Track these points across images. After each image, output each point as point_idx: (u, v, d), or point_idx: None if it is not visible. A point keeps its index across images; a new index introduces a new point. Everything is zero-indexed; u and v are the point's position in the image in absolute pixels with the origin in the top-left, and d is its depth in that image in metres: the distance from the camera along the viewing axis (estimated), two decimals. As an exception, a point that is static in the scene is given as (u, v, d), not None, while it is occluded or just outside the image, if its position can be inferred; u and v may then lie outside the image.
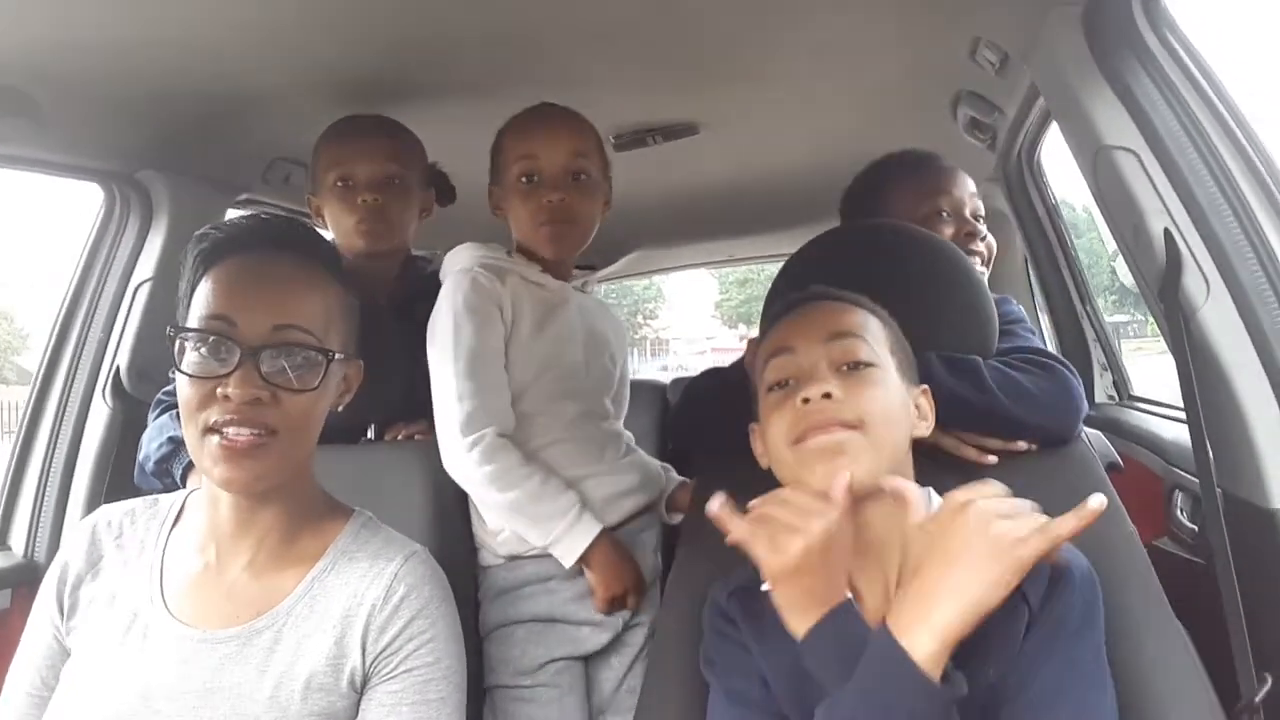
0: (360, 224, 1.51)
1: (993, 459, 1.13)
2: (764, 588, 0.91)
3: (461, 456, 1.31)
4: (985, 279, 1.40)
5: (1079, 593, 0.88)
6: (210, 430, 0.95)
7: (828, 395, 0.94)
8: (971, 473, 1.00)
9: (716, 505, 0.92)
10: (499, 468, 1.30)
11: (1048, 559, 0.82)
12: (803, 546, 0.86)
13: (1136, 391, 2.21)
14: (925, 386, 1.04)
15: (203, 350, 0.96)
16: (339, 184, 1.53)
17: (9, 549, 1.69)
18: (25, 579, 1.57)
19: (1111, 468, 1.33)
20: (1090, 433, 1.35)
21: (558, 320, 1.41)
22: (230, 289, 0.98)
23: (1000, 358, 1.20)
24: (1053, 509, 1.00)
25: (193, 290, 1.00)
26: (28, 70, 1.33)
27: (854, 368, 0.97)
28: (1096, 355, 2.20)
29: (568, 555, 1.32)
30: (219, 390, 0.94)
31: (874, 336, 1.01)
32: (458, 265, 1.40)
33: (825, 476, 0.91)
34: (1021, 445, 1.14)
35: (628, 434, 1.53)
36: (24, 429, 1.75)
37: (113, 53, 1.34)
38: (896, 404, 0.98)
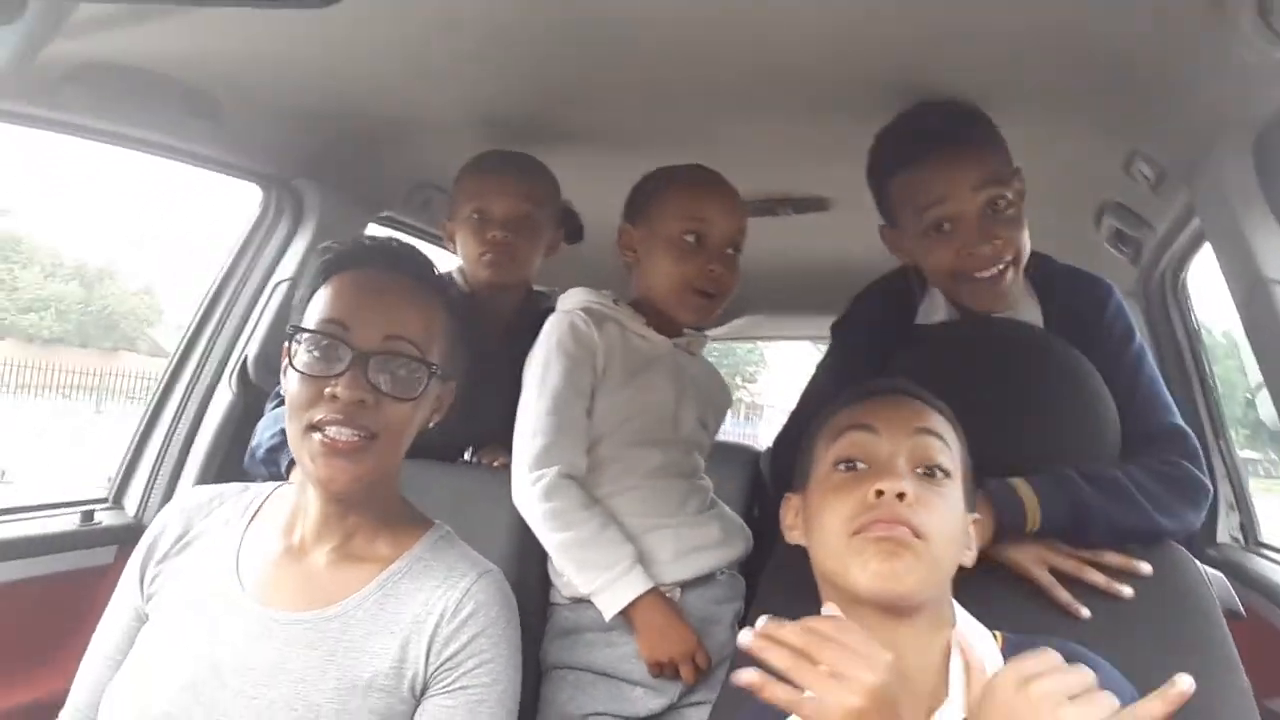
0: (488, 256, 1.57)
1: (1086, 613, 1.06)
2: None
3: (526, 490, 1.33)
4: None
5: None
6: (313, 428, 0.99)
7: (902, 495, 0.89)
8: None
9: (748, 638, 0.80)
10: (558, 506, 1.31)
11: None
12: (852, 707, 0.74)
13: (1265, 537, 2.06)
14: (977, 516, 1.00)
15: (315, 352, 1.01)
16: (474, 216, 1.59)
17: (122, 508, 1.80)
18: (131, 539, 1.63)
19: (1232, 615, 1.23)
20: (1211, 573, 1.26)
21: (650, 372, 1.41)
22: (347, 298, 1.03)
23: (1143, 465, 1.15)
24: (1159, 638, 0.95)
25: (311, 297, 1.06)
26: (212, 72, 1.44)
27: (930, 474, 0.93)
28: (1224, 493, 2.06)
29: (609, 606, 1.30)
30: (327, 390, 0.98)
31: (953, 445, 0.97)
32: (563, 306, 1.44)
33: (878, 576, 0.87)
34: (1146, 568, 1.08)
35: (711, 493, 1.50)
36: (155, 402, 1.86)
37: (289, 68, 1.44)
38: (959, 525, 0.94)
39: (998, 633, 0.95)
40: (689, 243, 1.40)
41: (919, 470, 0.93)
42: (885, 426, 0.95)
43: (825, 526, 0.93)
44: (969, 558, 0.96)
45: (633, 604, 1.29)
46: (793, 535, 0.99)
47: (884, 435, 0.94)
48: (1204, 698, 0.89)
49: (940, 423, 0.97)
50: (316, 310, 1.04)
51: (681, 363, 1.47)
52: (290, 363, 1.02)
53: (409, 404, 1.02)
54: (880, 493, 0.89)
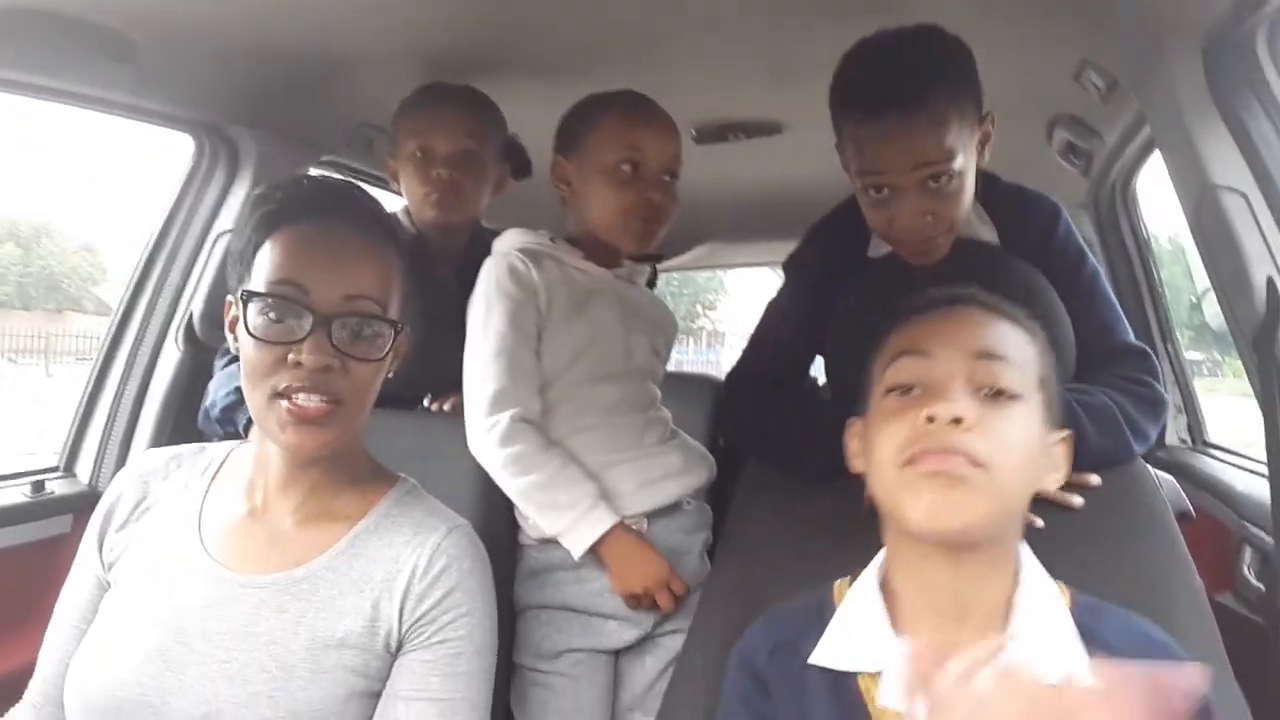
0: (433, 195, 1.53)
1: (1040, 522, 1.04)
2: (810, 660, 0.84)
3: (483, 437, 1.32)
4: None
5: None
6: (279, 395, 0.96)
7: (958, 421, 0.80)
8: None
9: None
10: (517, 451, 1.31)
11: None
12: None
13: (1211, 437, 2.13)
14: (1069, 433, 0.89)
15: (272, 314, 0.96)
16: (417, 154, 1.54)
17: (74, 476, 1.76)
18: (86, 506, 1.60)
19: (1183, 517, 1.27)
20: (1162, 477, 1.30)
21: (594, 306, 1.40)
22: (302, 255, 0.98)
23: (1114, 385, 1.16)
24: (1115, 545, 0.97)
25: (254, 251, 1.00)
26: (128, 14, 1.36)
27: (995, 395, 0.83)
28: (1173, 396, 2.12)
29: (576, 545, 1.31)
30: (291, 356, 0.95)
31: (1026, 363, 0.86)
32: (499, 249, 1.42)
33: (930, 511, 0.79)
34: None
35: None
36: (100, 364, 1.81)
37: (210, 4, 1.36)
38: (1034, 450, 0.84)
39: (1066, 589, 0.87)
40: (625, 172, 1.38)
41: (983, 392, 0.83)
42: (941, 348, 0.85)
43: (878, 456, 0.84)
44: (1054, 480, 0.88)
45: (600, 540, 1.30)
46: (855, 464, 0.91)
47: (939, 359, 0.85)
48: (1159, 597, 0.92)
49: (1008, 339, 0.87)
50: (266, 269, 0.98)
51: (625, 293, 1.46)
52: (245, 326, 0.97)
53: (374, 364, 0.99)
54: (932, 419, 0.80)
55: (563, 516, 1.30)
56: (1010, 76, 1.56)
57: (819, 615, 0.90)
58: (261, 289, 0.97)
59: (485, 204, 1.62)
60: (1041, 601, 0.83)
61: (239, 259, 1.02)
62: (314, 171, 1.95)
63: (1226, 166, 1.14)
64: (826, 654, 0.86)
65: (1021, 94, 1.65)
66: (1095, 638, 0.81)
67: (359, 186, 1.08)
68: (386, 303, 1.01)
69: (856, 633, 0.86)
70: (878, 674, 0.83)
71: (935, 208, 1.15)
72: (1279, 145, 1.12)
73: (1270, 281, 1.09)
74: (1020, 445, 0.82)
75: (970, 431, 0.80)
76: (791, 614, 0.92)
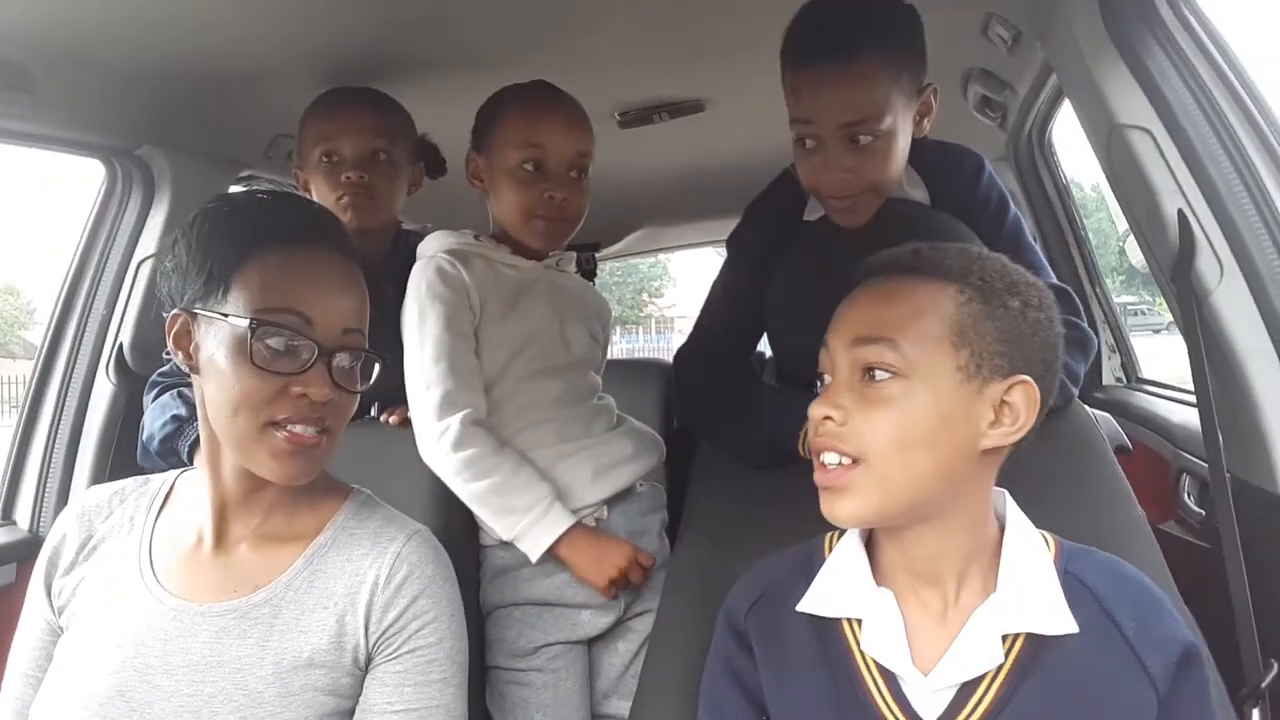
0: (345, 199, 1.50)
1: None
2: (799, 607, 0.87)
3: (433, 444, 1.30)
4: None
5: (1213, 678, 0.83)
6: (273, 425, 0.94)
7: (828, 419, 0.83)
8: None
9: None
10: (470, 455, 1.29)
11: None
12: None
13: (1144, 374, 2.20)
14: (1026, 378, 0.82)
15: (275, 344, 0.94)
16: (324, 159, 1.51)
17: (14, 524, 1.70)
18: (30, 554, 1.54)
19: (1120, 450, 1.32)
20: (1098, 415, 1.34)
21: (528, 300, 1.39)
22: (297, 283, 0.96)
23: None
24: (1059, 484, 0.99)
25: (230, 270, 0.96)
26: (19, 42, 1.31)
27: (871, 376, 0.82)
28: (1105, 337, 2.19)
29: (533, 550, 1.30)
30: (295, 389, 0.93)
31: (926, 328, 0.82)
32: (424, 253, 1.39)
33: (829, 513, 0.83)
34: None
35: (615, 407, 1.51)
36: (28, 404, 1.75)
37: (107, 26, 1.32)
38: (926, 423, 0.80)
39: (1051, 539, 0.88)
40: (528, 171, 1.36)
41: (866, 376, 0.83)
42: (833, 337, 0.86)
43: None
44: (1001, 435, 0.82)
45: (556, 543, 1.30)
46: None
47: (833, 349, 0.86)
48: (1104, 530, 0.95)
49: (901, 308, 0.83)
50: (255, 293, 0.94)
51: (557, 282, 1.44)
52: (249, 354, 0.93)
53: (356, 395, 1.00)
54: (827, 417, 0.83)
55: (519, 521, 1.29)
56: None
57: (808, 565, 0.92)
58: (252, 314, 0.94)
59: (400, 204, 1.59)
60: (1025, 555, 0.85)
61: (205, 276, 0.97)
62: (234, 188, 1.90)
63: (1130, 106, 1.17)
64: (813, 602, 0.88)
65: (934, 51, 1.66)
66: (1078, 581, 0.84)
67: (325, 209, 1.05)
68: (367, 334, 1.01)
69: (841, 583, 0.88)
70: (860, 620, 0.86)
71: (858, 165, 1.16)
72: (1179, 81, 1.15)
73: (1181, 214, 1.13)
74: (896, 426, 0.80)
75: (843, 426, 0.81)
76: (780, 564, 0.95)
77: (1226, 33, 1.17)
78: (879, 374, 0.82)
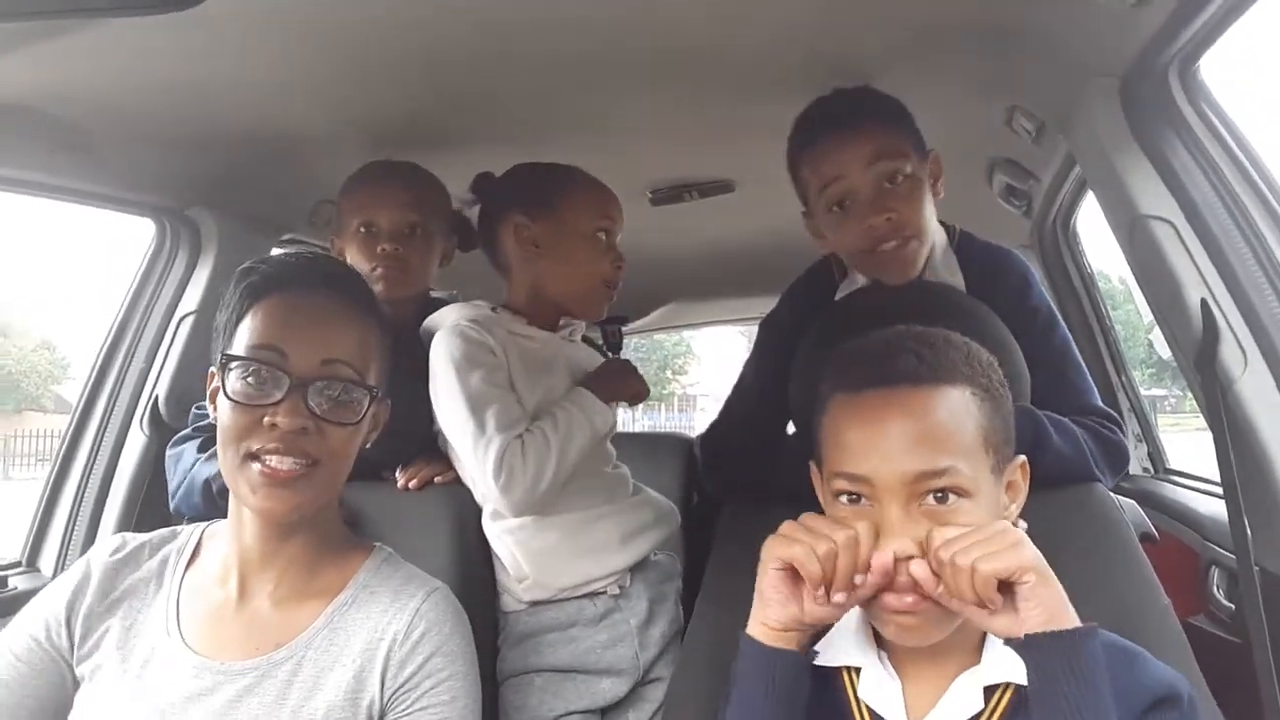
0: (379, 271, 1.51)
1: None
2: (815, 660, 0.88)
3: (498, 476, 1.26)
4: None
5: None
6: (251, 457, 0.97)
7: (910, 556, 0.80)
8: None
9: None
10: (525, 461, 1.27)
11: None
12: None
13: (1172, 465, 2.17)
14: (1023, 459, 0.89)
15: (250, 379, 0.98)
16: (361, 230, 1.54)
17: (38, 571, 1.71)
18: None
19: (1146, 538, 1.30)
20: (1125, 503, 1.32)
21: (551, 373, 1.40)
22: (281, 322, 1.00)
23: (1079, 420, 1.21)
24: (1080, 567, 0.98)
25: (238, 321, 1.02)
26: (82, 105, 1.38)
27: (942, 499, 0.81)
28: (1132, 426, 2.17)
29: (599, 417, 1.35)
30: (266, 419, 0.96)
31: (968, 439, 0.82)
32: (445, 324, 1.39)
33: (899, 639, 0.85)
34: None
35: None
36: (62, 454, 1.78)
37: (166, 91, 1.39)
38: (988, 525, 0.81)
39: None
40: (601, 240, 1.41)
41: (929, 498, 0.82)
42: (880, 468, 0.82)
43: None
44: (1012, 511, 0.88)
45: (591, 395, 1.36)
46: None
47: (879, 485, 0.82)
48: (1128, 617, 0.94)
49: (946, 424, 0.82)
50: (247, 335, 1.00)
51: (571, 355, 1.46)
52: (223, 391, 0.99)
53: (350, 428, 1.01)
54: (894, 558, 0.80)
55: (585, 422, 1.33)
56: (949, 127, 1.64)
57: None
58: (243, 354, 0.99)
59: (432, 277, 1.61)
60: None
61: (222, 331, 1.03)
62: (275, 251, 1.96)
63: (1152, 197, 1.20)
64: (819, 654, 0.90)
65: (960, 142, 1.72)
66: None
67: (342, 261, 1.09)
68: (365, 369, 1.03)
69: (842, 637, 0.92)
70: (859, 669, 0.91)
71: (895, 206, 1.22)
72: (1198, 173, 1.18)
73: (1204, 303, 1.14)
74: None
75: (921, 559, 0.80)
76: None
77: (1243, 124, 1.20)
78: (951, 498, 0.81)
